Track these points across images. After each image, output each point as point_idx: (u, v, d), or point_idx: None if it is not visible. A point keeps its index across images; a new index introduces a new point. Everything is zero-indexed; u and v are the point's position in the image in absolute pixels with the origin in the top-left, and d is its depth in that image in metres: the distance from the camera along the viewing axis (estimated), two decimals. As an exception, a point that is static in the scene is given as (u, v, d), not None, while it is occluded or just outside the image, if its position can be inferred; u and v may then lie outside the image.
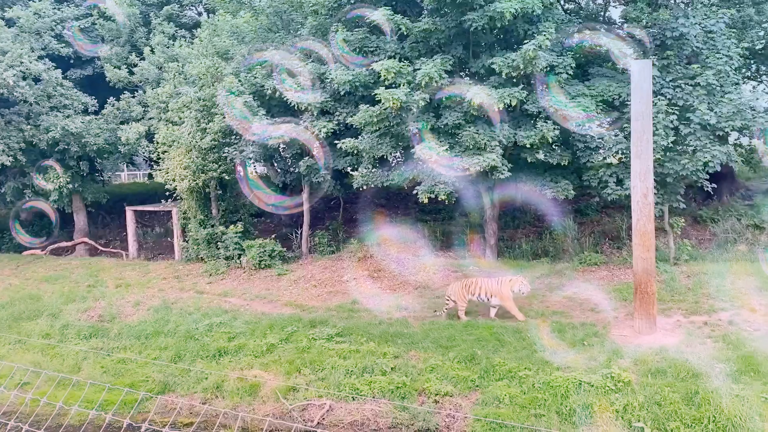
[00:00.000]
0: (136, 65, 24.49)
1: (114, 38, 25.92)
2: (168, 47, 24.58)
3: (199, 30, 23.78)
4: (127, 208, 24.58)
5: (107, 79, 24.63)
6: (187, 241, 22.11)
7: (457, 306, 15.13)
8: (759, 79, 21.48)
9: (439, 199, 16.89)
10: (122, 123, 24.03)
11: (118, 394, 12.30)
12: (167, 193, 22.18)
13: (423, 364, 12.97)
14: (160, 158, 22.25)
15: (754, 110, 16.11)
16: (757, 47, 19.00)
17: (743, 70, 19.65)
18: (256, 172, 23.53)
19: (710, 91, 15.65)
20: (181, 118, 21.18)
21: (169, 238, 24.47)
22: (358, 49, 17.78)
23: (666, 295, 15.09)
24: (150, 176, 36.94)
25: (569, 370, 11.87)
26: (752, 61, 20.09)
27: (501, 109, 15.57)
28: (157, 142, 21.88)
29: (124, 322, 17.23)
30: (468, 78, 18.00)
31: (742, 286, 15.08)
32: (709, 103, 15.51)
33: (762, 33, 18.63)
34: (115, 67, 24.67)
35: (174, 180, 21.18)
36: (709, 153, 15.20)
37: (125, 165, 37.87)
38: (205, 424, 12.38)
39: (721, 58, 15.78)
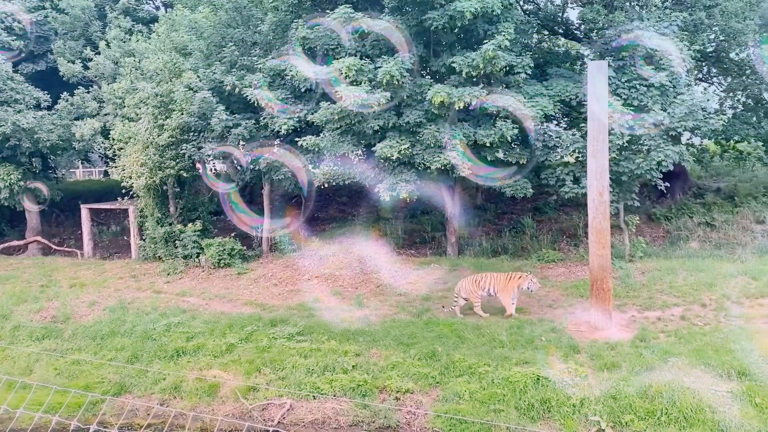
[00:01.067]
0: (91, 60, 23.91)
1: (68, 32, 25.25)
2: (124, 42, 24.08)
3: (157, 24, 23.35)
4: (82, 206, 23.98)
5: (61, 73, 23.99)
6: (144, 240, 21.70)
7: (471, 303, 15.11)
8: (710, 81, 22.14)
9: (401, 198, 16.93)
10: (76, 119, 23.44)
11: (73, 396, 12.00)
12: (123, 191, 21.74)
13: (384, 362, 12.99)
14: (116, 155, 21.78)
15: (705, 111, 16.58)
16: (708, 50, 19.59)
17: (695, 72, 20.21)
18: (215, 169, 23.23)
19: (663, 92, 16.05)
20: (137, 114, 20.76)
21: (125, 237, 23.98)
22: (318, 47, 17.69)
23: (621, 291, 15.43)
24: (106, 173, 36.15)
25: (528, 366, 12.05)
26: (703, 64, 20.70)
27: (461, 107, 15.70)
28: (113, 139, 21.41)
29: (79, 322, 16.81)
30: (429, 77, 18.10)
31: (694, 282, 15.52)
32: (662, 103, 15.90)
33: (712, 36, 19.21)
34: (69, 62, 24.04)
35: (130, 177, 20.76)
36: (663, 152, 15.58)
37: (80, 162, 36.96)
38: (162, 426, 12.16)
39: (674, 60, 16.19)
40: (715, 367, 11.38)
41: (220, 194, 21.02)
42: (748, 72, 19.66)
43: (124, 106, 21.44)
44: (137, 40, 23.08)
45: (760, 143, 21.20)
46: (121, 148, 21.27)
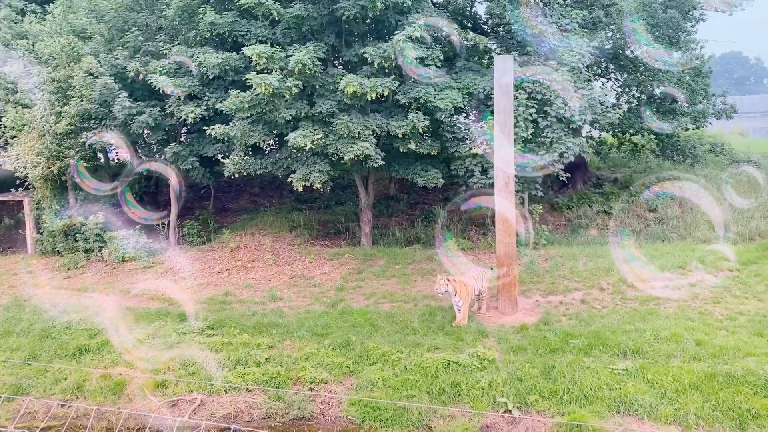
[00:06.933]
0: (-23, 41, 22.25)
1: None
2: (16, 23, 22.55)
3: (53, 6, 22.02)
4: (-31, 198, 22.35)
5: (-58, 54, 22.17)
6: (41, 234, 20.52)
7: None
8: (608, 77, 23.31)
9: (314, 188, 16.86)
10: (-39, 104, 21.77)
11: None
12: (18, 182, 20.46)
13: (298, 353, 12.95)
14: (8, 144, 20.43)
15: (603, 105, 17.47)
16: (606, 47, 20.61)
17: (594, 68, 21.23)
18: (118, 159, 22.26)
19: (565, 86, 16.76)
20: (32, 101, 19.56)
21: (20, 231, 22.57)
22: (227, 33, 17.28)
23: (526, 277, 16.07)
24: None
25: (439, 351, 12.35)
26: (602, 60, 21.76)
27: (374, 98, 15.79)
28: (5, 126, 20.07)
29: (-32, 323, 15.70)
30: (341, 67, 18.08)
31: (593, 267, 16.39)
32: (564, 97, 16.61)
33: (610, 34, 20.23)
34: (-49, 42, 22.28)
35: (25, 167, 19.56)
36: (564, 144, 16.29)
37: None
38: (65, 427, 11.60)
39: (575, 56, 16.94)
40: (612, 347, 12.08)
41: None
42: (641, 69, 20.85)
43: (17, 92, 20.14)
44: (30, 22, 21.68)
45: (653, 136, 22.59)
46: (14, 137, 19.99)
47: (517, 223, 14.60)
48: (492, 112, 15.88)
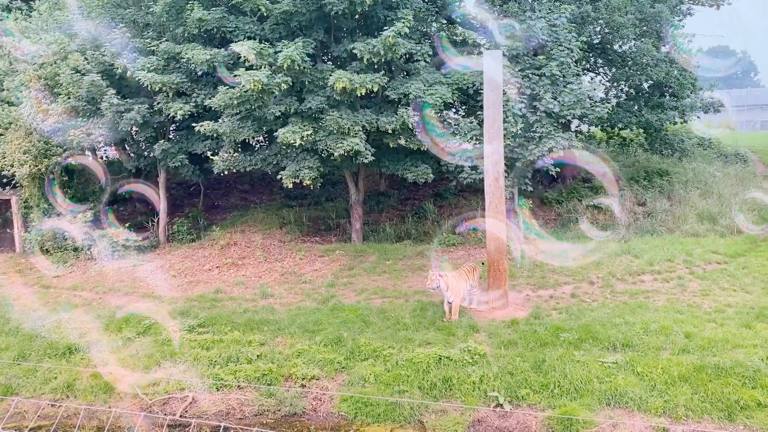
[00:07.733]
0: (-39, 38, 21.99)
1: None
2: (1, 20, 22.31)
3: (38, 2, 21.81)
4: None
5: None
6: (29, 232, 20.38)
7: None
8: (596, 71, 23.40)
9: (304, 184, 16.82)
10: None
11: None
12: (5, 180, 20.29)
13: (290, 350, 12.93)
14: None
15: (592, 99, 17.53)
16: (594, 41, 20.70)
17: (583, 63, 21.30)
18: (107, 157, 22.13)
19: (554, 81, 16.79)
20: (18, 98, 19.38)
21: (8, 230, 22.40)
22: (215, 29, 17.18)
23: (516, 272, 16.13)
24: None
25: (430, 346, 12.37)
26: (590, 54, 21.83)
27: (363, 94, 15.77)
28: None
29: (-45, 323, 15.56)
30: (330, 62, 18.03)
31: (580, 261, 16.47)
32: (553, 92, 16.64)
33: (598, 29, 20.31)
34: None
35: (12, 165, 19.39)
36: (554, 139, 16.33)
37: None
38: (54, 426, 11.54)
39: (563, 51, 16.96)
40: (602, 340, 12.14)
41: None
42: (629, 63, 20.94)
43: (3, 89, 19.97)
44: (16, 18, 21.46)
45: (641, 130, 22.70)
46: (1, 134, 19.82)
47: (506, 218, 14.65)
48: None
